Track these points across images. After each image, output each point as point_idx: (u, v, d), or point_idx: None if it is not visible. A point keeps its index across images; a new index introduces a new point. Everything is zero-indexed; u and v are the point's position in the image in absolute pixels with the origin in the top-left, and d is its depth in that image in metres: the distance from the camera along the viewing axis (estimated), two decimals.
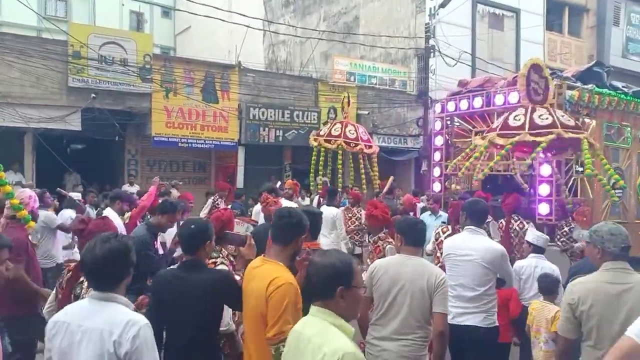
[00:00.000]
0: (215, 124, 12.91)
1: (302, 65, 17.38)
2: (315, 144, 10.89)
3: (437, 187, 9.86)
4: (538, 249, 4.75)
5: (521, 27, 18.51)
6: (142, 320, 2.08)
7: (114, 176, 13.42)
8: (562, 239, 6.61)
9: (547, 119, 6.66)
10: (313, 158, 11.40)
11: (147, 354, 2.03)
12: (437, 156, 10.13)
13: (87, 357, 2.02)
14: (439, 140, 10.12)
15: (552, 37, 19.80)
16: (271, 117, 13.66)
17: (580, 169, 7.71)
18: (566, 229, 6.63)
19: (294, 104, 14.17)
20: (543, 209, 7.29)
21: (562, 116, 6.91)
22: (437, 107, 10.20)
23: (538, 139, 6.48)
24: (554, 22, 20.14)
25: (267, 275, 2.50)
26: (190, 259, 2.84)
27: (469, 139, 9.90)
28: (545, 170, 7.29)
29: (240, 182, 12.98)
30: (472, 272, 3.69)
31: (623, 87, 9.37)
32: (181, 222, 3.70)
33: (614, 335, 2.47)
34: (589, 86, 8.31)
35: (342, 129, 10.69)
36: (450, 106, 9.76)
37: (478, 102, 9.08)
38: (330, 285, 1.94)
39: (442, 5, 15.55)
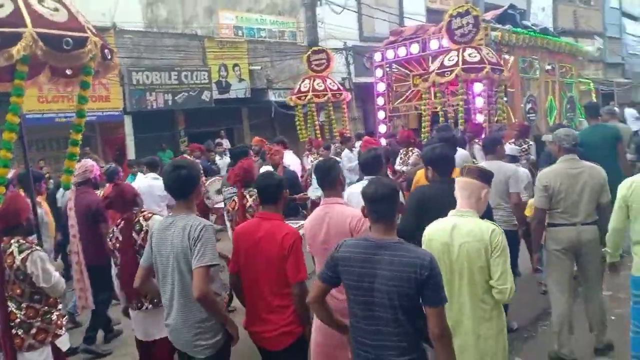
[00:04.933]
0: (96, 93, 11.85)
1: (186, 23, 16.36)
2: (292, 103, 11.28)
3: (382, 128, 10.93)
4: (514, 159, 5.67)
5: None
6: None
7: None
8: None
9: (475, 56, 7.77)
10: (296, 117, 11.54)
11: None
12: (380, 101, 11.21)
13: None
14: (380, 87, 11.13)
15: None
16: (157, 80, 12.82)
17: (505, 99, 9.00)
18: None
19: (180, 65, 13.39)
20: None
21: (488, 54, 7.94)
22: (377, 56, 11.02)
23: (469, 75, 7.80)
24: None
25: None
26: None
27: (408, 83, 10.98)
28: (479, 102, 8.46)
29: (131, 153, 12.18)
30: None
31: (532, 25, 10.89)
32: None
33: (575, 200, 3.78)
34: (507, 27, 9.40)
35: (310, 83, 11.07)
36: (389, 54, 10.62)
37: (415, 48, 10.10)
38: None
39: None
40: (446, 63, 8.00)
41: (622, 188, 3.44)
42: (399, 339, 2.17)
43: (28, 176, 3.99)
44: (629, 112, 13.48)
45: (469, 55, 7.82)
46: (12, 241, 3.13)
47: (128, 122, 12.46)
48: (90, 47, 3.33)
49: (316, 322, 2.94)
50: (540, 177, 4.00)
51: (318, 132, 11.34)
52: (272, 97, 15.30)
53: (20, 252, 3.07)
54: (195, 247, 2.58)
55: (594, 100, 15.33)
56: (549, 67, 10.70)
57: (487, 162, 4.78)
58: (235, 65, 14.56)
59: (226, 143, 12.91)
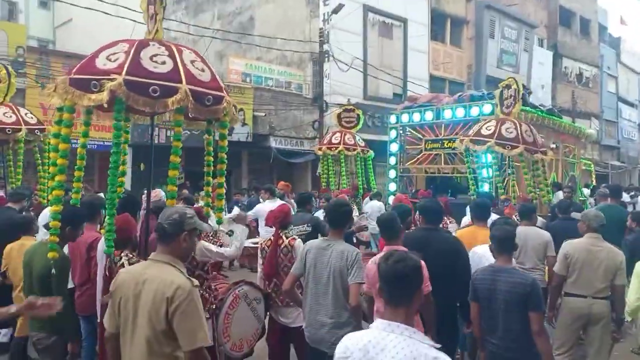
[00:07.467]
0: (99, 122, 12.03)
1: None
2: (320, 152, 11.74)
3: (392, 187, 11.60)
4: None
5: (408, 36, 19.54)
6: None
7: None
8: None
9: (512, 132, 7.76)
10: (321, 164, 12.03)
11: None
12: (392, 160, 11.83)
13: None
14: (394, 147, 11.78)
15: (436, 46, 21.16)
16: (161, 116, 13.04)
17: (510, 171, 8.96)
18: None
19: None
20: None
21: (525, 131, 7.84)
22: (392, 118, 11.78)
23: (503, 150, 7.76)
24: (438, 33, 21.54)
25: None
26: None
27: (420, 146, 11.55)
28: (486, 172, 8.79)
29: (127, 184, 12.25)
30: None
31: (539, 105, 11.66)
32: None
33: (589, 275, 4.22)
34: None
35: (341, 137, 11.47)
36: (404, 118, 11.40)
37: (429, 115, 10.83)
38: None
39: (335, 12, 15.94)
40: (483, 132, 8.01)
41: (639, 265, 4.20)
42: (512, 334, 3.23)
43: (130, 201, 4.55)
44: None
45: (506, 129, 7.77)
46: (122, 254, 3.58)
47: (129, 153, 12.59)
48: (225, 105, 3.96)
49: None
50: (564, 246, 4.48)
51: (336, 181, 11.71)
52: (273, 143, 15.58)
53: (130, 264, 3.40)
54: (352, 267, 3.38)
55: (593, 181, 15.88)
56: (553, 146, 11.03)
57: (522, 227, 5.19)
58: (240, 110, 14.89)
59: None
